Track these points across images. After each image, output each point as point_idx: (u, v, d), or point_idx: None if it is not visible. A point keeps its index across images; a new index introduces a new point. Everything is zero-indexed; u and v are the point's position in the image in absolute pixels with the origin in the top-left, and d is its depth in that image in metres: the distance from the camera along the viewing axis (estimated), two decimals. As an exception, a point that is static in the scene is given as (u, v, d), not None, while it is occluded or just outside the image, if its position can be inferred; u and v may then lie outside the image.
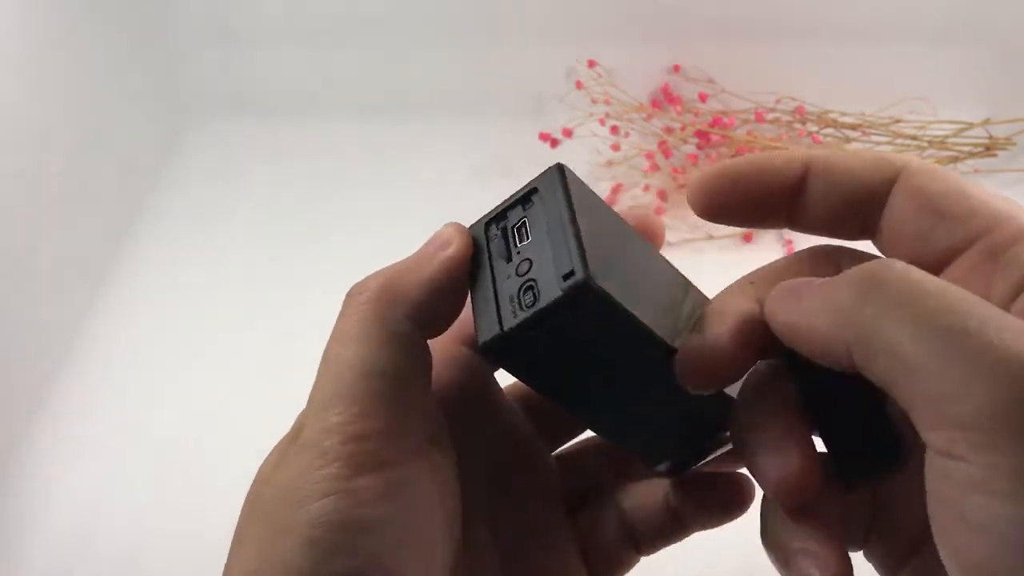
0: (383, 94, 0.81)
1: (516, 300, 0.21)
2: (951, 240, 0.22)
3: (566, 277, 0.20)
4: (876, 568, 0.24)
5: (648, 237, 0.25)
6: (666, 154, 0.72)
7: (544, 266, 0.21)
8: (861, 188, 0.23)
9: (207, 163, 0.81)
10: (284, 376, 0.63)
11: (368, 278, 0.23)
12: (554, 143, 0.71)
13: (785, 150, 0.27)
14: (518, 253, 0.22)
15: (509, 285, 0.22)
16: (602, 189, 0.71)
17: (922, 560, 0.23)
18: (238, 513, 0.21)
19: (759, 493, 0.23)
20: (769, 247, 0.68)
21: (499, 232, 0.23)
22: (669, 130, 0.72)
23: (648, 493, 0.28)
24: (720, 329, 0.22)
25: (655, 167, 0.71)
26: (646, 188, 0.72)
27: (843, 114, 0.71)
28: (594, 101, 0.72)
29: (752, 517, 0.25)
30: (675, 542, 0.28)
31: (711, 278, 0.27)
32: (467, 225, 0.24)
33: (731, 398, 0.24)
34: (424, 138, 0.78)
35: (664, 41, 0.75)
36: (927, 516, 0.18)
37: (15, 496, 0.61)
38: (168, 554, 0.56)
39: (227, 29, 0.81)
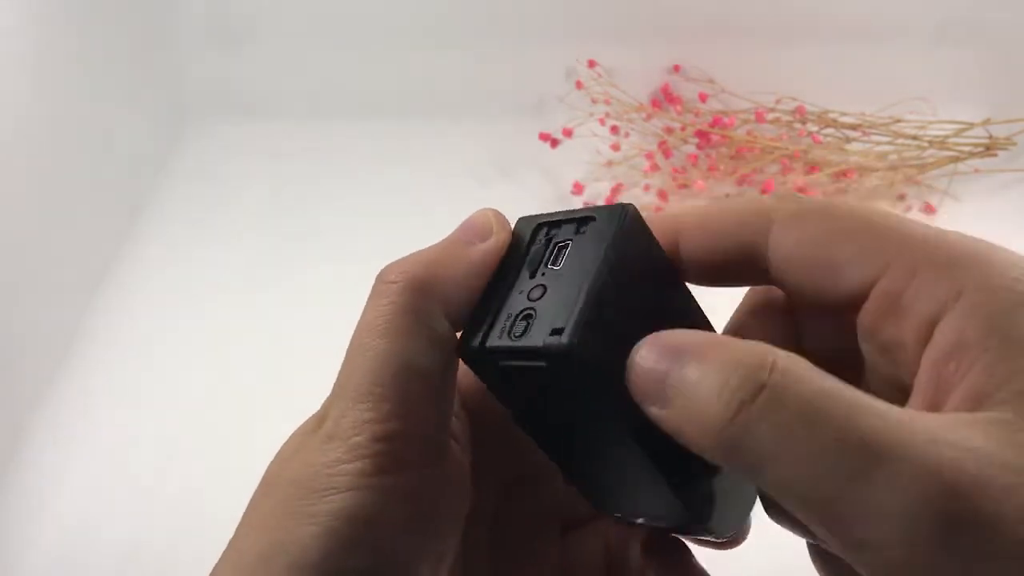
0: (383, 94, 0.81)
1: (511, 321, 0.20)
2: (848, 285, 0.20)
3: (553, 332, 0.19)
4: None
5: None
6: (666, 154, 0.72)
7: (550, 304, 0.20)
8: (737, 244, 0.22)
9: (207, 163, 0.81)
10: (283, 375, 0.63)
11: (400, 262, 0.22)
12: (554, 143, 0.71)
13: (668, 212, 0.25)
14: (542, 275, 0.21)
15: (516, 301, 0.21)
16: (602, 189, 0.71)
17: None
18: (238, 512, 0.21)
19: None
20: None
21: (544, 241, 0.22)
22: (669, 130, 0.72)
23: (632, 532, 0.26)
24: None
25: (655, 167, 0.71)
26: (646, 188, 0.71)
27: (843, 114, 0.70)
28: (594, 101, 0.72)
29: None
30: None
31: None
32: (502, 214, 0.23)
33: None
34: (424, 138, 0.78)
35: (664, 41, 0.75)
36: None
37: (15, 496, 0.61)
38: (168, 553, 0.57)
39: (228, 30, 0.81)
